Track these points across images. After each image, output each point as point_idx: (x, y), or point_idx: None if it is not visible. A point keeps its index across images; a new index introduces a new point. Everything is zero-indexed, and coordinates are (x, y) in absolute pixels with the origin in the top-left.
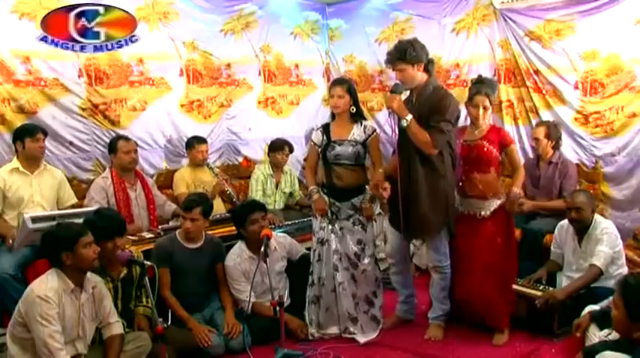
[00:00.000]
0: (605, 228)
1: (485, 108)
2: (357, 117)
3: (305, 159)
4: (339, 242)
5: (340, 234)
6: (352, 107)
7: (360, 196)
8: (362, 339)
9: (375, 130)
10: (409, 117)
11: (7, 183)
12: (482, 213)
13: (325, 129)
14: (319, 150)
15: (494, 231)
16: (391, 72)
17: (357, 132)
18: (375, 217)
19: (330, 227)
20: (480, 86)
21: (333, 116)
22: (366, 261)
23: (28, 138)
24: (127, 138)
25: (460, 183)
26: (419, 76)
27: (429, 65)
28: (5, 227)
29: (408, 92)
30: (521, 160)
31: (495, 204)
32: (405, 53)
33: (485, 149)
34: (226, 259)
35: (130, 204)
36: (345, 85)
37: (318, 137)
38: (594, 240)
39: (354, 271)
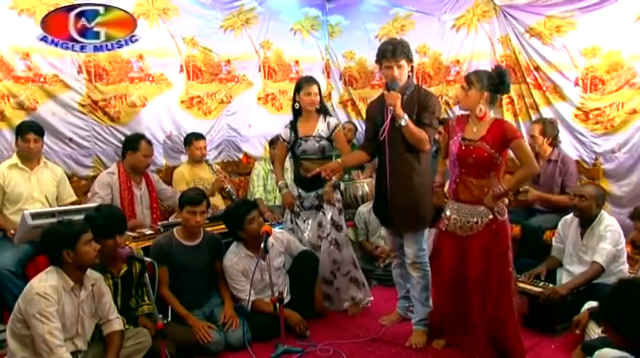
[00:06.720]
0: (609, 226)
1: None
2: (322, 111)
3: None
4: (303, 232)
5: (305, 224)
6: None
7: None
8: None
9: (337, 125)
10: (406, 116)
11: (6, 178)
12: (474, 220)
13: (293, 126)
14: (287, 146)
15: (482, 256)
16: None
17: (321, 128)
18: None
19: (296, 219)
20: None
21: (297, 113)
22: (322, 243)
23: (19, 137)
24: (149, 141)
25: (454, 186)
26: (407, 74)
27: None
28: (6, 221)
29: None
30: (532, 156)
31: (490, 214)
32: (408, 50)
33: (486, 154)
34: (224, 259)
35: (134, 201)
36: (317, 84)
37: (287, 134)
38: (597, 235)
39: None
